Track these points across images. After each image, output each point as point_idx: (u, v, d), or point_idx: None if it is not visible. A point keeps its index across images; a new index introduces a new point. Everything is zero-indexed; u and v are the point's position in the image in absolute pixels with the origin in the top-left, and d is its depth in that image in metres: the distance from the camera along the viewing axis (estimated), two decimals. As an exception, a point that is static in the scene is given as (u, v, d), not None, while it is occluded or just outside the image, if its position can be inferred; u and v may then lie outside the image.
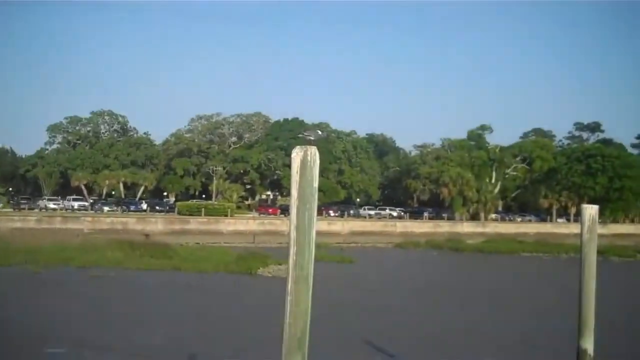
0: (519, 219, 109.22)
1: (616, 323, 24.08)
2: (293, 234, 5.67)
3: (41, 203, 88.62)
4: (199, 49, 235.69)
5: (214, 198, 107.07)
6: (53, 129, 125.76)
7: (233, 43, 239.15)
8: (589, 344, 11.07)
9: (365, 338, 20.21)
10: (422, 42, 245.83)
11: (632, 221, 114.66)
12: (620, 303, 30.75)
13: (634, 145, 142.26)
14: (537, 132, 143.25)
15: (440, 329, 22.90)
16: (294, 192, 5.65)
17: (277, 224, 75.01)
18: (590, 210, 11.36)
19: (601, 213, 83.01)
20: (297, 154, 5.66)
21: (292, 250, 5.67)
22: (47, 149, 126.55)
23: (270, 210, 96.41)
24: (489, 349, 19.95)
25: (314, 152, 5.64)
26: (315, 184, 5.67)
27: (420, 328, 23.05)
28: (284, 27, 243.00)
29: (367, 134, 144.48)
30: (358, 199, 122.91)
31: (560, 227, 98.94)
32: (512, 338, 21.68)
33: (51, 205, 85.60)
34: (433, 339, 21.02)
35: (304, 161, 5.62)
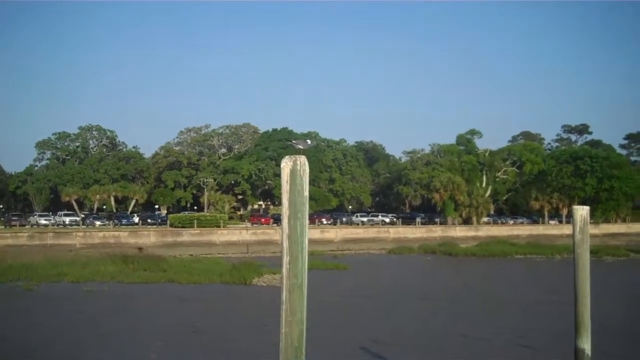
0: (511, 222, 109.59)
1: (613, 322, 24.18)
2: (285, 243, 5.70)
3: (32, 219, 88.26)
4: (185, 61, 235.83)
5: (205, 209, 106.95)
6: (42, 145, 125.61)
7: (219, 55, 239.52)
8: (586, 344, 11.14)
9: (362, 344, 20.21)
10: (408, 49, 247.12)
11: (624, 220, 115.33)
12: (616, 302, 30.86)
13: (622, 146, 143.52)
14: (526, 135, 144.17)
15: (436, 333, 22.91)
16: (285, 201, 5.68)
17: (270, 233, 74.96)
18: (582, 211, 11.45)
19: (592, 213, 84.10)
20: (286, 164, 5.69)
21: (285, 260, 5.70)
22: (37, 165, 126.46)
23: (262, 220, 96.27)
24: (486, 352, 19.98)
25: (303, 161, 5.68)
26: (306, 193, 5.70)
27: (416, 332, 23.05)
28: (270, 37, 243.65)
29: (356, 142, 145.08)
30: (350, 207, 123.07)
31: (552, 229, 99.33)
32: (509, 340, 21.71)
33: (42, 221, 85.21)
34: (429, 343, 21.03)
35: (294, 170, 5.66)
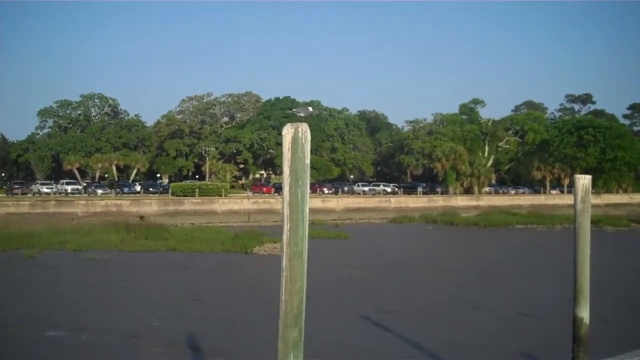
0: (513, 192, 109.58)
1: (612, 291, 24.31)
2: (286, 211, 5.67)
3: (34, 188, 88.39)
4: (187, 29, 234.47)
5: (207, 178, 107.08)
6: (43, 113, 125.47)
7: (221, 23, 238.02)
8: (584, 312, 11.17)
9: (363, 313, 20.31)
10: (411, 18, 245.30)
11: (625, 191, 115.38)
12: (616, 271, 30.99)
13: (625, 116, 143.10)
14: (529, 104, 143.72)
15: (437, 302, 23.01)
16: (286, 169, 5.64)
17: (272, 202, 75.04)
18: (583, 181, 11.41)
19: (594, 184, 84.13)
20: (287, 131, 5.64)
21: (286, 227, 5.68)
22: (39, 134, 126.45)
23: (264, 189, 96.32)
24: (488, 319, 20.10)
25: (305, 129, 5.63)
26: (307, 161, 5.66)
27: (418, 301, 23.15)
28: (273, 6, 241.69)
29: (358, 111, 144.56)
30: (352, 176, 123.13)
31: (553, 199, 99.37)
32: (510, 308, 21.82)
33: (44, 189, 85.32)
34: (431, 312, 21.14)
35: (295, 138, 5.61)
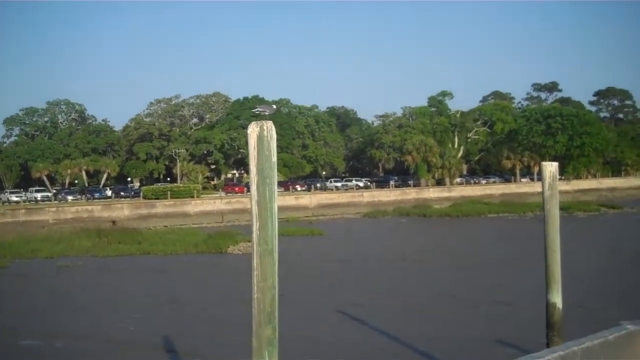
0: (484, 182, 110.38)
1: (585, 276, 24.61)
2: (255, 209, 5.67)
3: (3, 197, 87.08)
4: (151, 31, 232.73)
5: (179, 180, 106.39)
6: (9, 121, 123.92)
7: (186, 24, 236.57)
8: (557, 298, 11.30)
9: (339, 307, 20.38)
10: (377, 13, 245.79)
11: (594, 176, 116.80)
12: (588, 256, 31.37)
13: (591, 103, 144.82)
14: (497, 95, 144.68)
15: (412, 293, 23.15)
16: (253, 167, 5.64)
17: (244, 202, 74.67)
18: (550, 168, 11.55)
19: (563, 170, 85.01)
20: (253, 130, 5.64)
21: (255, 226, 5.68)
22: (5, 142, 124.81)
23: (236, 189, 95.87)
24: (462, 309, 20.27)
25: (270, 127, 5.63)
26: (274, 158, 5.66)
27: (393, 293, 23.27)
28: (237, 5, 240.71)
29: (328, 108, 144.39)
30: (324, 172, 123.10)
31: (524, 187, 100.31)
32: (484, 297, 22.02)
33: (14, 198, 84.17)
34: (406, 304, 21.25)
35: (261, 136, 5.61)
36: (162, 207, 71.73)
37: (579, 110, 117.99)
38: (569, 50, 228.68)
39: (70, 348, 16.86)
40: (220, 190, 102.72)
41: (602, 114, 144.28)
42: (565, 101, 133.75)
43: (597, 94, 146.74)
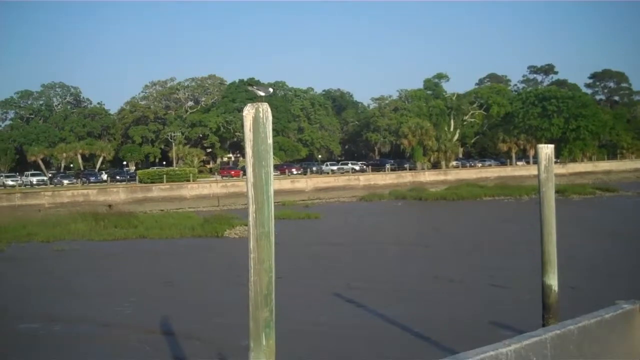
0: (480, 165, 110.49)
1: (580, 258, 24.72)
2: (251, 192, 5.66)
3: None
4: (146, 14, 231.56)
5: (174, 164, 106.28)
6: (4, 105, 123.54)
7: (181, 6, 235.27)
8: (553, 280, 11.34)
9: (335, 290, 20.44)
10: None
11: (590, 159, 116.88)
12: (584, 238, 31.50)
13: (587, 85, 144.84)
14: (492, 77, 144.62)
15: (408, 276, 23.22)
16: (249, 150, 5.62)
17: (240, 185, 74.59)
18: (546, 150, 11.54)
19: (559, 153, 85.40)
20: (248, 112, 5.62)
21: (252, 209, 5.67)
22: (0, 126, 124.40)
23: (232, 172, 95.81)
24: (458, 291, 20.34)
25: (265, 109, 5.61)
26: (270, 141, 5.65)
27: (389, 276, 23.33)
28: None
29: (324, 91, 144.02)
30: (320, 156, 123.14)
31: (520, 170, 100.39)
32: (480, 280, 22.09)
33: (9, 182, 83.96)
34: (402, 286, 21.31)
35: (256, 118, 5.59)
36: (158, 190, 71.61)
37: (574, 93, 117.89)
38: (565, 33, 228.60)
39: (68, 331, 16.90)
40: (216, 173, 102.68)
41: (598, 97, 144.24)
42: (561, 83, 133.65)
43: (593, 76, 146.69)
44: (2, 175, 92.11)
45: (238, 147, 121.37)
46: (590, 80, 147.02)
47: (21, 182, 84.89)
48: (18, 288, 23.55)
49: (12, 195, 65.03)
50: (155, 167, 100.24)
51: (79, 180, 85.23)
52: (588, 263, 24.58)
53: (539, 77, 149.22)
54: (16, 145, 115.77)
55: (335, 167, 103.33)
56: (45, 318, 18.29)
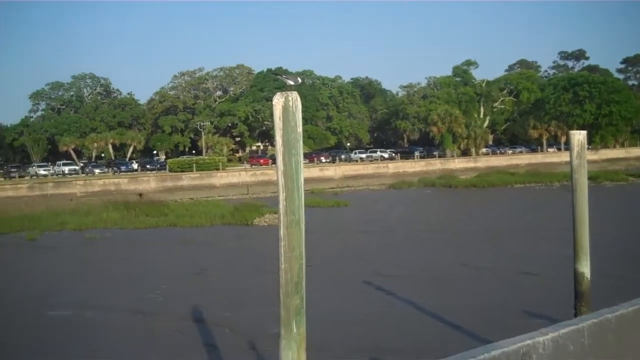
0: (510, 152, 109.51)
1: (613, 245, 24.40)
2: (281, 180, 5.67)
3: (31, 170, 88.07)
4: (175, 4, 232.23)
5: (204, 153, 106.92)
6: (36, 96, 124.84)
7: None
8: (585, 267, 11.24)
9: (365, 278, 20.43)
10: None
11: (622, 145, 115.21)
12: (617, 225, 31.08)
13: (619, 70, 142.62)
14: (522, 63, 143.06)
15: (438, 264, 23.13)
16: (279, 138, 5.63)
17: (269, 174, 74.92)
18: (579, 136, 11.42)
19: (591, 139, 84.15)
20: (278, 101, 5.62)
21: (282, 197, 5.69)
22: (32, 117, 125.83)
23: (261, 160, 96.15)
24: (489, 280, 20.22)
25: (295, 97, 5.61)
26: (299, 129, 5.65)
27: (419, 264, 23.29)
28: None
29: (352, 79, 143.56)
30: (348, 144, 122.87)
31: (551, 157, 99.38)
32: (511, 268, 21.94)
33: (42, 171, 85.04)
34: (431, 274, 21.24)
35: (286, 107, 5.59)
36: (187, 179, 72.14)
37: (607, 78, 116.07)
38: (596, 18, 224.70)
39: (100, 318, 17.11)
40: (245, 162, 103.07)
41: (630, 82, 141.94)
42: (592, 69, 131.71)
43: (625, 61, 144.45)
44: (34, 165, 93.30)
45: (267, 136, 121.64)
46: (622, 66, 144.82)
47: (53, 171, 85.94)
48: (51, 276, 23.88)
49: (44, 185, 65.95)
50: (185, 156, 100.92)
51: (110, 169, 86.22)
52: (620, 250, 24.24)
53: (570, 63, 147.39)
54: (48, 136, 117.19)
55: (364, 155, 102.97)
56: (78, 305, 18.53)
